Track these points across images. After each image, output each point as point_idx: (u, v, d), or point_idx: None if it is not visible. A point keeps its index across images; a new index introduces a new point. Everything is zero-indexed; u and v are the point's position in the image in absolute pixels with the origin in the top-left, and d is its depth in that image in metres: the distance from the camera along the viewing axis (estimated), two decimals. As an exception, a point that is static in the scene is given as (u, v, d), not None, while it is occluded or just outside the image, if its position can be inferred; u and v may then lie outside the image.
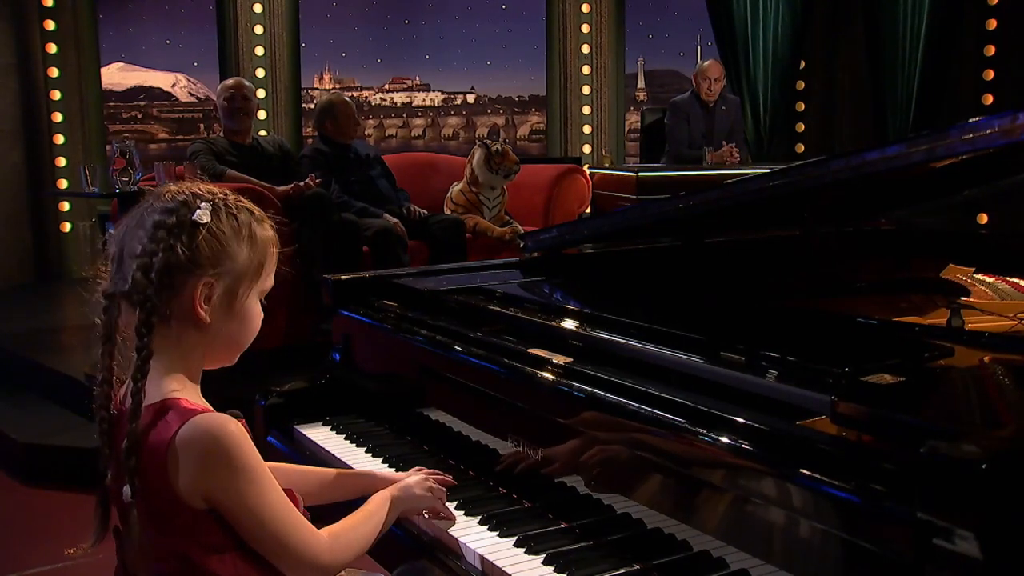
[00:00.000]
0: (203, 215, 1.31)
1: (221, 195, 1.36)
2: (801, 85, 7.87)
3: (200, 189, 1.36)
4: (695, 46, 8.48)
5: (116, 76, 7.84)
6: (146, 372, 1.27)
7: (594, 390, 1.46)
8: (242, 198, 1.39)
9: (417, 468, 1.63)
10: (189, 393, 1.32)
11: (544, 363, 1.60)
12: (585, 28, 8.13)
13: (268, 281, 1.39)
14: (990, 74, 6.75)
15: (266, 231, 1.39)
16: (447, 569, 1.49)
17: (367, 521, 1.45)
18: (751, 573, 1.20)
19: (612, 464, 1.44)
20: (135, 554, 1.30)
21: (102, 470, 1.33)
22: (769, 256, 2.24)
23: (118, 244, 1.33)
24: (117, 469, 1.30)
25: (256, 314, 1.38)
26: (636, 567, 1.34)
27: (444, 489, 1.59)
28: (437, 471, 1.64)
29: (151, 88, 8.00)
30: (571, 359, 1.58)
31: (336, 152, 5.22)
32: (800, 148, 7.90)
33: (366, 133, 8.35)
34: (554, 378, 1.55)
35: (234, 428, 1.27)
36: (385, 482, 1.58)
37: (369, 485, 1.59)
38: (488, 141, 5.51)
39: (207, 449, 1.25)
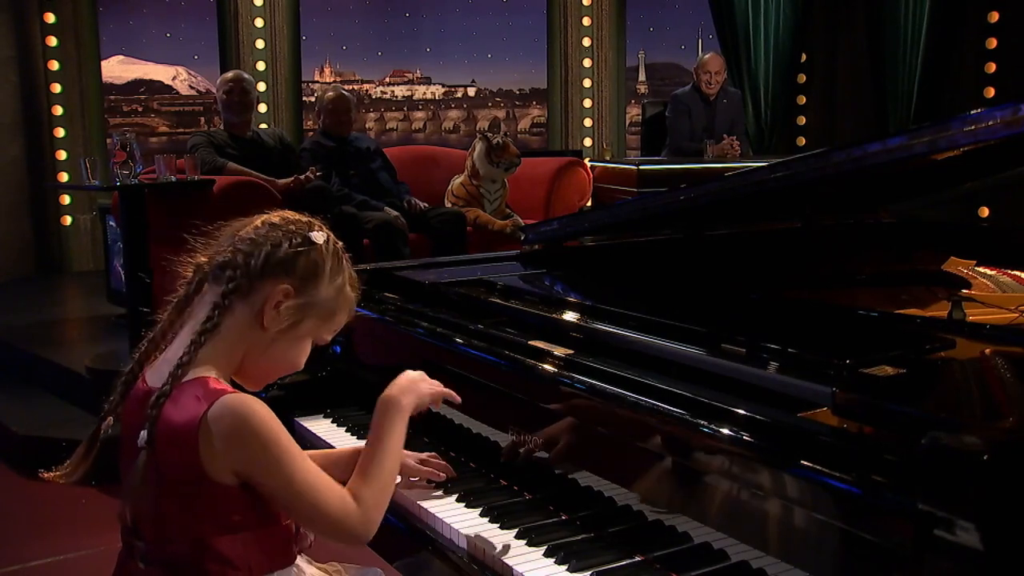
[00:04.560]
0: (318, 237, 1.41)
1: (337, 242, 1.46)
2: (802, 78, 7.85)
3: (324, 227, 1.46)
4: (696, 39, 8.46)
5: (116, 69, 7.82)
6: (204, 341, 1.34)
7: (595, 382, 1.45)
8: (348, 259, 1.48)
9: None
10: (219, 379, 1.37)
11: (545, 355, 1.59)
12: (586, 21, 8.11)
13: (328, 334, 1.46)
14: (992, 67, 6.73)
15: (353, 292, 1.47)
16: (448, 561, 1.49)
17: (383, 464, 1.43)
18: (752, 565, 1.20)
19: (612, 456, 1.44)
20: (139, 499, 1.33)
21: (103, 414, 1.40)
22: (770, 248, 2.24)
23: (232, 230, 1.42)
24: (128, 444, 1.34)
25: (303, 351, 1.45)
26: (637, 559, 1.34)
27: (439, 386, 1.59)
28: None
29: (151, 81, 7.98)
30: (572, 351, 1.58)
31: (336, 145, 5.23)
32: (801, 141, 7.89)
33: (367, 126, 8.34)
34: (555, 370, 1.55)
35: (260, 406, 1.31)
36: None
37: None
38: (489, 134, 5.51)
39: (235, 426, 1.29)
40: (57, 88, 7.20)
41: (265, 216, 1.43)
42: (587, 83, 8.17)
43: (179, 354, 1.34)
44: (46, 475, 1.43)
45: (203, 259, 1.41)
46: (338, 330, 1.48)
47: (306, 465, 1.34)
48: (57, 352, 4.82)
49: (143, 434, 1.30)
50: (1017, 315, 1.76)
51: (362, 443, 1.90)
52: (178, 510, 1.32)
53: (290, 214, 1.45)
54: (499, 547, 1.42)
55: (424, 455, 1.67)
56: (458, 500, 1.60)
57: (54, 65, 7.19)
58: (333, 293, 1.43)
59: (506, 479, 1.65)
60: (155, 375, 1.38)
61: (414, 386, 1.54)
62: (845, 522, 1.07)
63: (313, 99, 6.82)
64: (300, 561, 1.44)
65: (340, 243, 1.47)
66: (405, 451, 1.56)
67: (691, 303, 1.81)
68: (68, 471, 1.42)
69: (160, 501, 1.32)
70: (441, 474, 1.65)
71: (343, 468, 1.56)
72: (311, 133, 6.36)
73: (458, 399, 1.61)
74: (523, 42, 8.40)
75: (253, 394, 1.36)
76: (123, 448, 1.38)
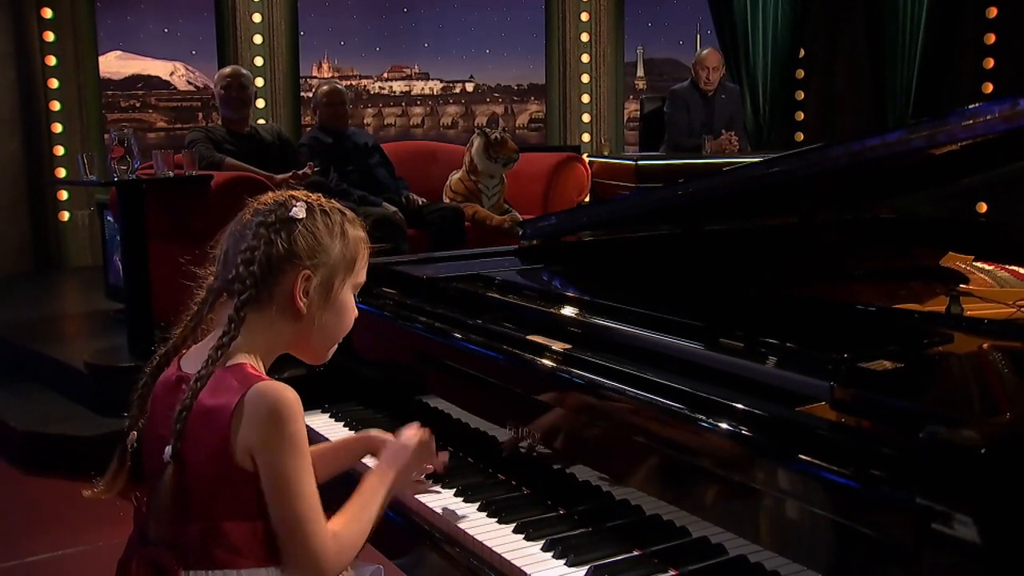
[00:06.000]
0: (299, 212, 1.41)
1: (315, 198, 1.46)
2: (801, 74, 7.84)
3: (296, 193, 1.46)
4: (695, 34, 8.46)
5: (114, 64, 7.82)
6: (220, 356, 1.35)
7: (593, 377, 1.45)
8: (334, 201, 1.49)
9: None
10: (255, 365, 1.40)
11: (543, 350, 1.59)
12: (584, 16, 8.10)
13: (361, 276, 1.49)
14: (990, 62, 6.73)
15: (357, 230, 1.48)
16: (446, 556, 1.49)
17: (363, 514, 1.44)
18: (750, 559, 1.20)
19: (611, 450, 1.44)
20: (161, 513, 1.33)
21: (126, 429, 1.42)
22: (768, 243, 2.24)
23: (223, 245, 1.44)
24: (154, 434, 1.37)
25: (350, 307, 1.48)
26: (635, 553, 1.34)
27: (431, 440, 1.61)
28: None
29: (149, 77, 7.98)
30: (570, 346, 1.58)
31: (335, 141, 5.22)
32: (799, 137, 7.89)
33: (365, 122, 8.33)
34: (553, 365, 1.55)
35: (292, 397, 1.33)
36: (379, 441, 1.60)
37: (367, 446, 1.63)
38: (487, 129, 5.50)
39: (265, 409, 1.31)
40: (55, 84, 7.19)
41: (247, 216, 1.43)
42: (585, 79, 8.17)
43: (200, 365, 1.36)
44: (87, 493, 1.44)
45: (211, 279, 1.44)
46: (367, 264, 1.51)
47: (310, 478, 1.34)
48: (56, 348, 4.82)
49: (168, 450, 1.32)
50: (1015, 310, 1.76)
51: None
52: (198, 494, 1.33)
53: (263, 202, 1.44)
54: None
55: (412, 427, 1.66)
56: (456, 495, 1.60)
57: (51, 61, 7.17)
58: (342, 246, 1.44)
59: (504, 474, 1.65)
60: (189, 362, 1.41)
61: (407, 468, 1.55)
62: (843, 516, 1.07)
63: (311, 95, 6.81)
64: None
65: (319, 196, 1.47)
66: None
67: (689, 298, 1.81)
68: (106, 487, 1.43)
69: (182, 491, 1.33)
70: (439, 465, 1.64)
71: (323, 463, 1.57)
72: (308, 129, 6.36)
73: (441, 469, 1.62)
74: (521, 37, 8.40)
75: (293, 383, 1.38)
76: (149, 436, 1.40)
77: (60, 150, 7.20)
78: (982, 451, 0.99)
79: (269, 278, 1.38)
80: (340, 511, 1.43)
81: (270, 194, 1.47)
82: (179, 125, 7.90)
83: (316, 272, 1.41)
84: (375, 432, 1.66)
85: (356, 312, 1.50)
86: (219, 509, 1.33)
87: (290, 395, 1.33)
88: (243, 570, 1.33)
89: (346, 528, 1.40)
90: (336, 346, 1.51)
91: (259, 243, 1.38)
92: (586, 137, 8.17)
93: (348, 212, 1.49)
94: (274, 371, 1.47)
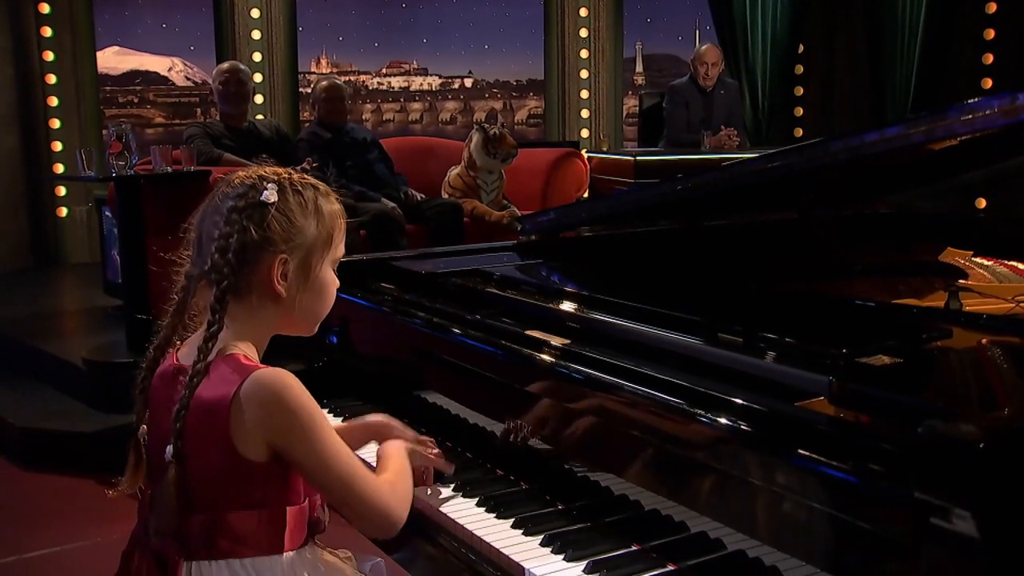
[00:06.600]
0: (270, 195, 1.38)
1: (285, 175, 1.43)
2: (800, 69, 7.84)
3: (266, 172, 1.43)
4: (694, 30, 8.44)
5: (112, 60, 7.80)
6: (210, 349, 1.34)
7: (592, 372, 1.45)
8: (306, 176, 1.46)
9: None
10: (248, 353, 1.39)
11: (542, 345, 1.59)
12: (583, 12, 8.09)
13: (339, 250, 1.47)
14: (989, 58, 6.73)
15: (331, 204, 1.45)
16: (444, 550, 1.49)
17: (404, 472, 1.46)
18: (748, 554, 1.20)
19: (609, 445, 1.44)
20: (164, 511, 1.33)
21: (134, 425, 1.42)
22: (767, 239, 2.24)
23: (197, 230, 1.42)
24: (155, 428, 1.37)
25: (331, 282, 1.46)
26: (633, 548, 1.34)
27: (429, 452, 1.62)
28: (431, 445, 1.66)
29: (147, 72, 7.96)
30: (569, 341, 1.58)
31: (333, 136, 5.22)
32: (798, 132, 7.88)
33: (363, 118, 8.32)
34: (552, 360, 1.54)
35: (293, 380, 1.33)
36: (378, 427, 1.63)
37: (375, 432, 1.64)
38: (486, 125, 5.50)
39: (269, 399, 1.30)
40: (52, 79, 7.18)
41: (215, 202, 1.40)
42: (584, 74, 8.15)
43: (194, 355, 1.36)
44: (111, 493, 1.43)
45: (188, 266, 1.42)
46: (344, 237, 1.48)
47: (337, 441, 1.35)
48: (54, 344, 4.81)
49: (169, 449, 1.32)
50: (1013, 305, 1.76)
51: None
52: (201, 487, 1.33)
53: (233, 184, 1.41)
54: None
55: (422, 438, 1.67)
56: (455, 490, 1.60)
57: (49, 56, 7.16)
58: (317, 224, 1.41)
59: (503, 469, 1.65)
60: (185, 354, 1.41)
61: (416, 452, 1.57)
62: (842, 511, 1.07)
63: (309, 90, 6.80)
64: (312, 545, 1.44)
65: (289, 173, 1.44)
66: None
67: (688, 293, 1.80)
68: (128, 484, 1.42)
69: (185, 487, 1.33)
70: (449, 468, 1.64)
71: None
72: (307, 124, 6.35)
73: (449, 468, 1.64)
74: (520, 33, 8.39)
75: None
76: (151, 431, 1.40)
77: (58, 146, 7.19)
78: (980, 446, 0.99)
79: (245, 266, 1.36)
80: (380, 469, 1.45)
81: (239, 174, 1.43)
82: (177, 121, 7.89)
83: (293, 255, 1.38)
84: (383, 418, 1.67)
85: (338, 284, 1.47)
86: (222, 500, 1.33)
87: (288, 378, 1.32)
88: (247, 559, 1.34)
89: (400, 481, 1.42)
90: (324, 316, 1.49)
91: (232, 230, 1.35)
92: (585, 133, 8.17)
93: (321, 186, 1.45)
94: (270, 360, 1.47)
